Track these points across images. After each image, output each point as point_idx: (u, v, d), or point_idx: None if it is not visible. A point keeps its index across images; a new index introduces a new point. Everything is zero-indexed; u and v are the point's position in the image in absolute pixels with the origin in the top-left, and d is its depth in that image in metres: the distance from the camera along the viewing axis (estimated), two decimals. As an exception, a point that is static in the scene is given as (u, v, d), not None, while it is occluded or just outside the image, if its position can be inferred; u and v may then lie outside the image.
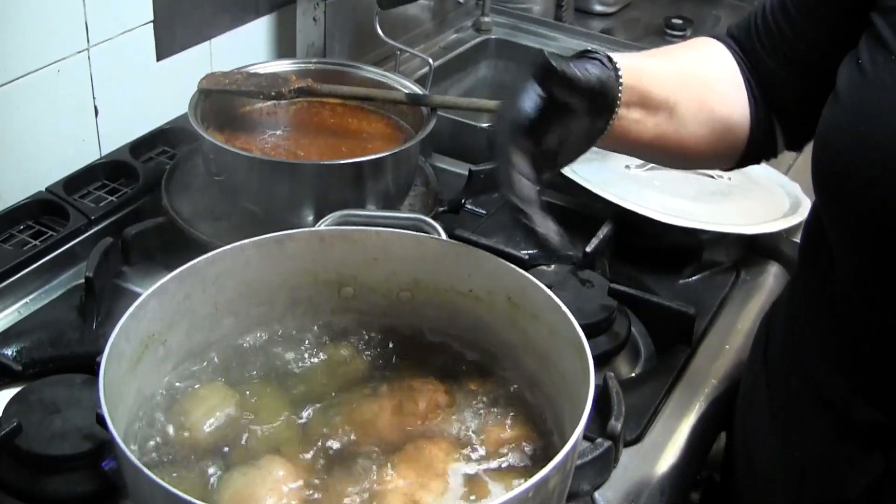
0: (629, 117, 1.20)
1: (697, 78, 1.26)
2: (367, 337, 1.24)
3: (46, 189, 1.69)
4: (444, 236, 1.21)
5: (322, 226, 1.23)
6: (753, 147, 1.28)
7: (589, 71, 1.13)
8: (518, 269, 1.14)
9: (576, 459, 1.03)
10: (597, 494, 1.28)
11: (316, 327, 1.25)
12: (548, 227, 1.07)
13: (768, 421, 1.32)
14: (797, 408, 1.26)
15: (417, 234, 1.20)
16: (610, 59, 1.17)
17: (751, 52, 1.27)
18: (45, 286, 1.57)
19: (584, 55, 1.17)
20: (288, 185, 1.56)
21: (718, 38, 1.31)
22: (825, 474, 1.21)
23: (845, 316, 1.17)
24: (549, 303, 1.09)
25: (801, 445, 1.25)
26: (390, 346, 1.24)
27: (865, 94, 1.08)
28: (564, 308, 1.07)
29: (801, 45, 1.22)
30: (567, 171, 1.75)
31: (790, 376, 1.28)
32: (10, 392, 1.32)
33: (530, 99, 1.10)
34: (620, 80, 1.17)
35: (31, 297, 1.55)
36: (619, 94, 1.17)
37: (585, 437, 1.20)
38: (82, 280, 1.49)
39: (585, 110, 1.14)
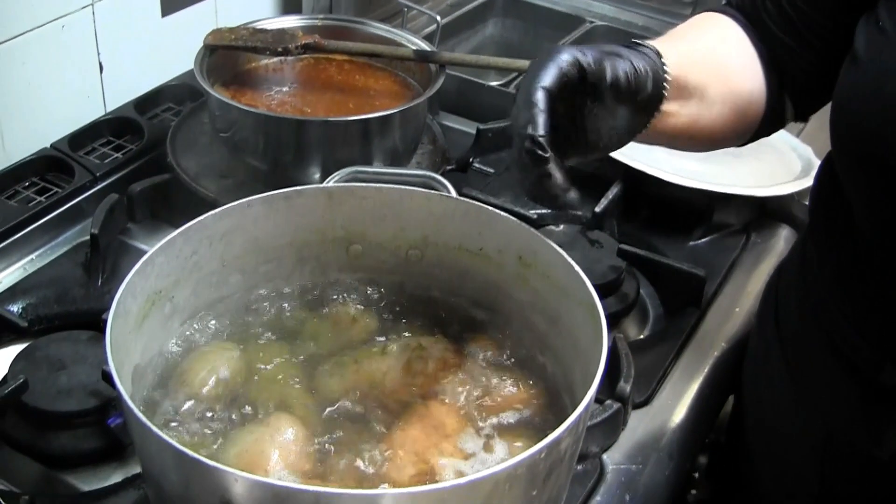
0: (666, 110, 1.14)
1: (718, 58, 1.23)
2: (375, 296, 1.23)
3: (51, 146, 1.69)
4: (453, 193, 1.20)
5: (330, 182, 1.22)
6: (767, 120, 1.26)
7: (638, 69, 1.07)
8: (529, 227, 1.12)
9: (587, 420, 1.02)
10: (605, 456, 1.28)
11: (324, 285, 1.24)
12: (562, 180, 1.01)
13: (785, 384, 1.31)
14: (819, 371, 1.25)
15: (427, 191, 1.18)
16: (658, 53, 1.12)
17: (757, 21, 1.24)
18: (50, 243, 1.57)
19: (633, 46, 1.11)
20: (294, 142, 1.55)
21: (723, 12, 1.28)
22: (855, 436, 1.20)
23: (866, 275, 1.15)
24: (560, 262, 1.08)
25: (825, 409, 1.24)
26: (399, 305, 1.23)
27: (887, 54, 1.06)
28: (577, 267, 1.05)
29: (812, 12, 1.19)
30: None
31: (809, 341, 1.27)
32: (16, 349, 1.32)
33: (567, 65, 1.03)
34: (667, 76, 1.11)
35: (36, 253, 1.55)
36: (666, 92, 1.12)
37: (595, 399, 1.19)
38: (88, 237, 1.49)
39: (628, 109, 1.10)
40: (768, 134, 1.30)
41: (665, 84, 1.11)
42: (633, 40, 1.13)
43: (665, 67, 1.11)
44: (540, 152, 0.98)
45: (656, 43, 1.15)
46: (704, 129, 1.21)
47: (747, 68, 1.23)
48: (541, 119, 0.98)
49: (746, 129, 1.27)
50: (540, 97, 0.99)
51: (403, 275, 1.24)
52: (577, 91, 1.04)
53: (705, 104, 1.19)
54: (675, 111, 1.15)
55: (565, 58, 1.02)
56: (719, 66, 1.22)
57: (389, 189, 1.18)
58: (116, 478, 1.21)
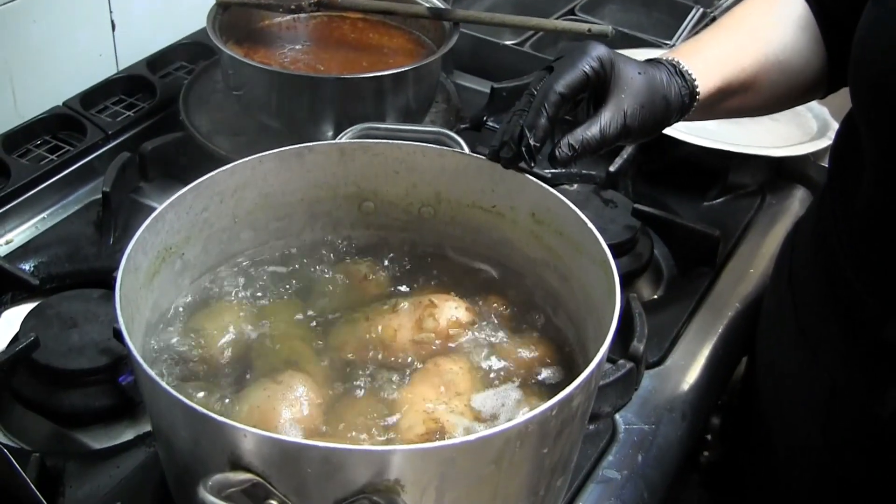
0: (704, 107, 1.20)
1: (774, 47, 1.23)
2: (387, 253, 1.23)
3: (63, 104, 1.68)
4: (466, 150, 1.18)
5: (343, 139, 1.21)
6: (825, 83, 1.30)
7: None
8: (543, 184, 1.11)
9: (600, 379, 1.01)
10: (617, 416, 1.27)
11: (336, 242, 1.23)
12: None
13: (796, 342, 1.30)
14: (827, 329, 1.24)
15: (440, 147, 1.17)
16: (683, 74, 1.17)
17: None
18: (62, 201, 1.57)
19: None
20: (307, 100, 1.54)
21: None
22: (856, 393, 1.20)
23: (879, 230, 1.14)
24: (574, 219, 1.07)
25: (830, 365, 1.23)
26: (411, 262, 1.22)
27: None
28: (590, 224, 1.04)
29: None
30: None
31: (820, 297, 1.26)
32: (28, 307, 1.32)
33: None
34: (697, 92, 1.18)
35: (48, 212, 1.55)
36: (695, 103, 1.18)
37: (607, 358, 1.19)
38: (99, 195, 1.48)
39: None
40: (825, 95, 1.33)
41: (694, 99, 1.18)
42: (654, 58, 1.19)
43: (696, 87, 1.18)
44: (525, 158, 1.09)
45: (696, 43, 1.22)
46: (752, 110, 1.29)
47: (804, 49, 1.24)
48: (542, 127, 1.08)
49: (801, 95, 1.31)
50: (552, 101, 1.08)
51: (416, 232, 1.23)
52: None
53: (752, 92, 1.23)
54: (715, 105, 1.21)
55: (591, 59, 1.10)
56: (774, 55, 1.24)
57: (402, 145, 1.17)
58: (128, 436, 1.21)
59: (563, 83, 1.08)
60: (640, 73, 1.13)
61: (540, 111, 1.07)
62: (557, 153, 1.08)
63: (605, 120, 1.10)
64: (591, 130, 1.09)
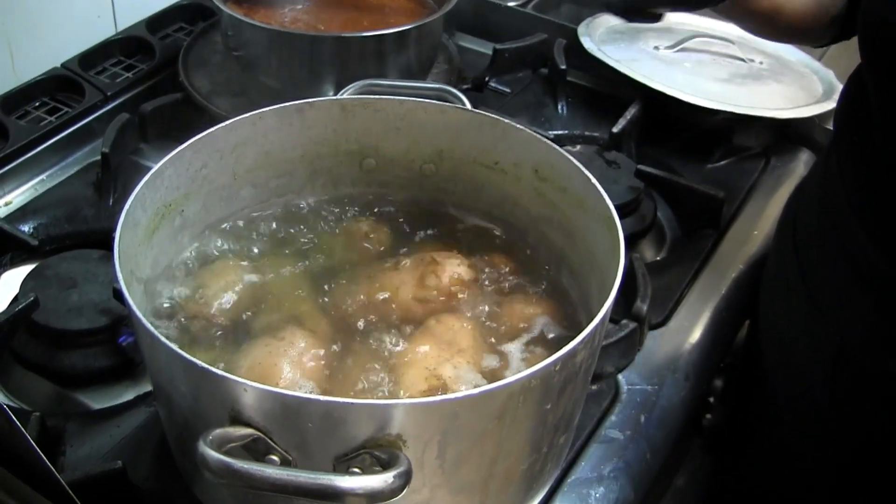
0: None
1: None
2: (389, 210, 1.22)
3: (62, 65, 1.67)
4: (468, 106, 1.17)
5: (344, 95, 1.20)
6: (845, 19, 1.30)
7: None
8: (546, 139, 1.10)
9: (603, 336, 1.00)
10: (620, 377, 1.26)
11: (337, 199, 1.22)
12: None
13: (801, 302, 1.29)
14: (835, 289, 1.23)
15: (442, 103, 1.16)
16: None
17: None
18: (61, 163, 1.56)
19: None
20: (308, 60, 1.53)
21: None
22: (866, 349, 1.19)
23: (887, 184, 1.13)
24: (577, 175, 1.06)
25: (837, 323, 1.22)
26: (413, 220, 1.21)
27: None
28: (594, 180, 1.03)
29: None
30: (595, 50, 1.72)
31: (825, 256, 1.25)
32: (27, 268, 1.32)
33: None
34: None
35: (47, 173, 1.54)
36: None
37: (610, 318, 1.18)
38: (99, 156, 1.47)
39: None
40: (848, 37, 1.32)
41: None
42: None
43: None
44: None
45: None
46: (787, 17, 1.28)
47: None
48: None
49: (827, 26, 1.31)
50: None
51: (417, 189, 1.22)
52: None
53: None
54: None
55: None
56: None
57: (404, 101, 1.16)
58: (128, 396, 1.21)
59: None
60: None
61: None
62: None
63: None
64: None
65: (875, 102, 1.12)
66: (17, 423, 0.83)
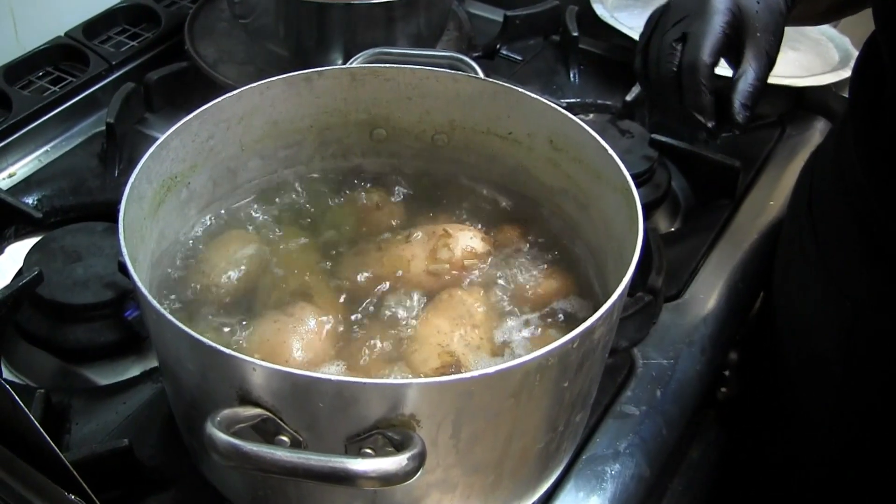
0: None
1: None
2: (400, 181, 1.19)
3: (66, 34, 1.65)
4: (481, 75, 1.15)
5: (354, 64, 1.17)
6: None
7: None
8: (561, 109, 1.08)
9: (621, 311, 0.98)
10: (636, 350, 1.24)
11: (346, 170, 1.20)
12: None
13: (816, 270, 1.28)
14: (849, 256, 1.22)
15: (454, 72, 1.13)
16: None
17: None
18: (65, 133, 1.54)
19: None
20: (316, 27, 1.51)
21: None
22: (882, 317, 1.18)
23: None
24: (593, 145, 1.03)
25: (853, 291, 1.21)
26: (424, 191, 1.19)
27: None
28: (610, 150, 1.01)
29: None
30: (608, 17, 1.69)
31: (840, 223, 1.24)
32: (31, 241, 1.30)
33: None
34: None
35: (51, 144, 1.52)
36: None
37: (625, 291, 1.16)
38: (103, 127, 1.46)
39: None
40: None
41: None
42: None
43: None
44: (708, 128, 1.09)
45: None
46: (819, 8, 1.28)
47: None
48: (708, 104, 1.07)
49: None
50: (705, 74, 1.06)
51: (429, 160, 1.20)
52: None
53: None
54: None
55: (724, 14, 1.08)
56: None
57: (415, 70, 1.13)
58: (134, 371, 1.20)
59: (708, 52, 1.07)
60: (758, 2, 1.10)
61: (700, 91, 1.07)
62: (739, 118, 1.07)
63: (756, 66, 1.08)
64: (750, 81, 1.08)
65: (890, 69, 1.10)
66: (19, 400, 0.81)
